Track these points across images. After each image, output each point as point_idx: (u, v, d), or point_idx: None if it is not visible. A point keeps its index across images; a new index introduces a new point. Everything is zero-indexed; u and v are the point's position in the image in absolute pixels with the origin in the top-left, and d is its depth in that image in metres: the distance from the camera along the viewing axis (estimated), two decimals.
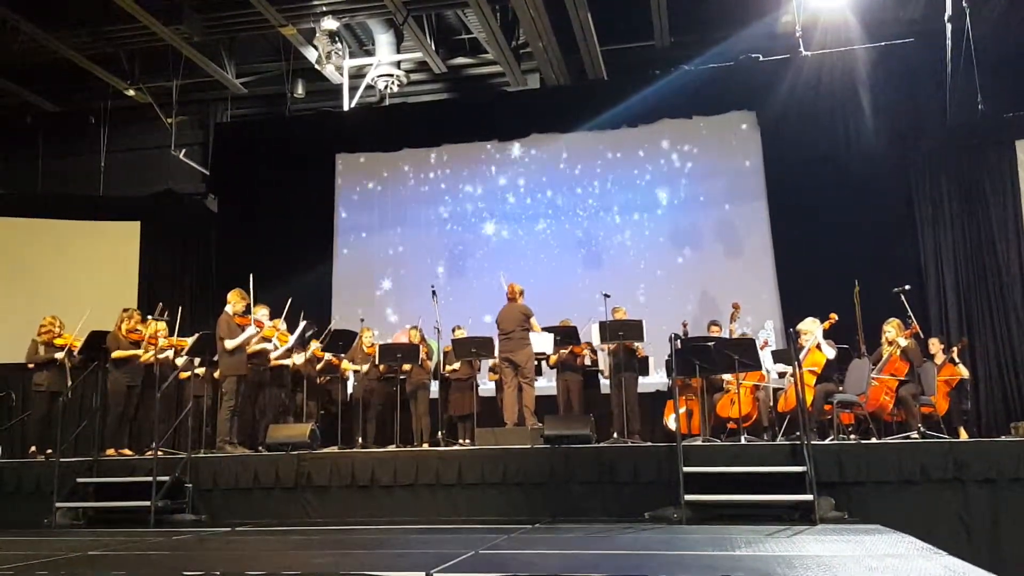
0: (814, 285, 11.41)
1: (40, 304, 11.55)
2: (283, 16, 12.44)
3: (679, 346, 8.22)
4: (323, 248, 14.22)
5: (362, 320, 11.08)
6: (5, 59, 13.43)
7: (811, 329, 8.84)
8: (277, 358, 9.53)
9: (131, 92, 14.36)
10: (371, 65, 14.23)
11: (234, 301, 9.12)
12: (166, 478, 7.80)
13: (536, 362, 9.92)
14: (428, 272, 13.51)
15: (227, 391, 8.87)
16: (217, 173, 15.06)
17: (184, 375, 9.59)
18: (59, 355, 9.36)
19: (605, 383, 10.81)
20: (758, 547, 4.94)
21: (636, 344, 10.04)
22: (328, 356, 10.33)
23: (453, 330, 11.08)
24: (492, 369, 11.24)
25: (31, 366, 9.56)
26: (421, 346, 10.36)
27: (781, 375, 9.81)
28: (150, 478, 7.72)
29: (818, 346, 8.74)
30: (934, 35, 11.73)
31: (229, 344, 8.82)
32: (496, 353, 9.70)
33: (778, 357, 9.87)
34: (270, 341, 9.45)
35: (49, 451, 8.94)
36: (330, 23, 12.52)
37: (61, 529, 7.78)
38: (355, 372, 10.64)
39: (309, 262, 13.86)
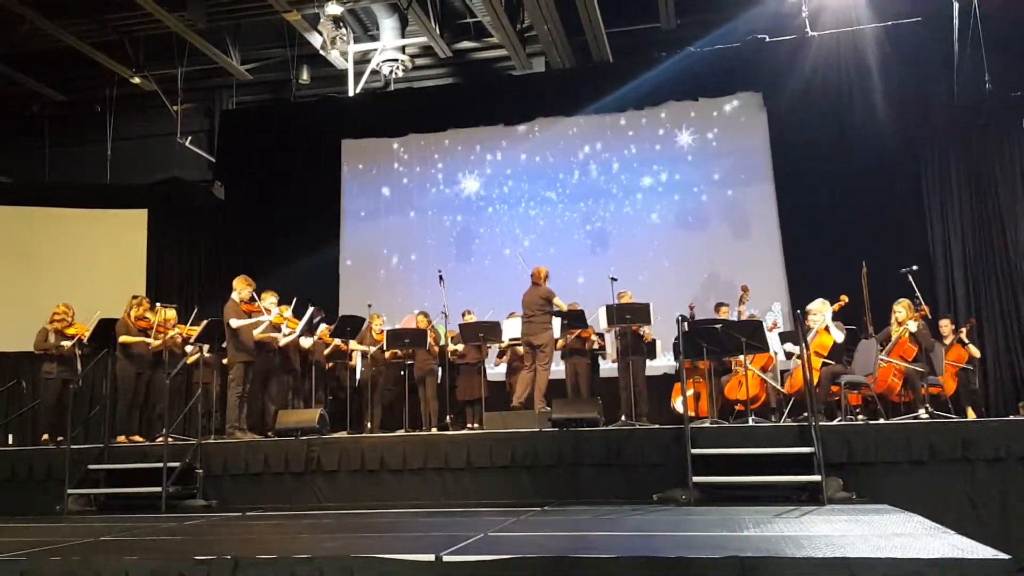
0: (821, 266, 11.39)
1: (48, 293, 11.60)
2: (287, 2, 12.41)
3: (686, 328, 8.20)
4: (329, 233, 14.24)
5: (369, 306, 11.09)
6: (10, 48, 13.45)
7: (820, 310, 8.82)
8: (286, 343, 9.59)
9: (136, 80, 14.37)
10: (376, 50, 14.21)
11: (240, 288, 9.14)
12: (176, 464, 7.85)
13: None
14: (435, 257, 13.53)
15: (234, 377, 8.92)
16: (223, 160, 15.10)
17: (191, 359, 9.65)
18: (65, 343, 9.40)
19: (607, 366, 10.83)
20: (766, 527, 4.95)
21: (644, 329, 10.04)
22: (336, 341, 10.34)
23: (463, 315, 11.10)
24: (501, 353, 11.28)
25: (37, 352, 9.61)
26: (429, 331, 10.38)
27: (788, 356, 9.80)
28: (161, 464, 7.77)
29: (826, 328, 8.71)
30: (941, 14, 11.67)
31: (234, 323, 8.86)
32: (520, 335, 9.73)
33: (786, 339, 9.85)
34: (279, 329, 9.49)
35: (60, 438, 8.99)
36: (334, 8, 12.47)
37: (73, 515, 7.83)
38: (362, 354, 10.64)
39: (316, 248, 13.90)
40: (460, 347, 10.60)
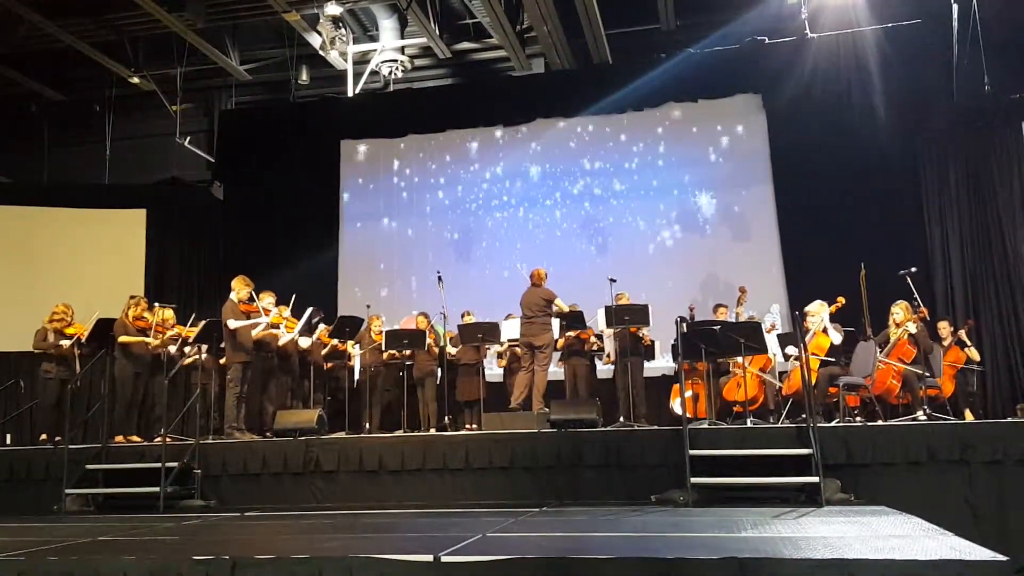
0: (820, 268, 11.37)
1: (47, 293, 11.60)
2: (286, 2, 12.41)
3: (684, 330, 8.21)
4: (328, 234, 14.22)
5: (368, 307, 11.07)
6: (10, 48, 13.45)
7: (818, 312, 8.83)
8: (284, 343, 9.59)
9: (135, 80, 14.38)
10: (375, 51, 14.21)
11: (238, 288, 9.14)
12: (175, 464, 7.85)
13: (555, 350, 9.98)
14: (434, 258, 13.51)
15: (232, 378, 8.92)
16: (222, 160, 15.08)
17: (189, 360, 9.65)
18: (64, 343, 9.39)
19: (603, 368, 10.83)
20: (764, 529, 4.95)
21: (642, 331, 10.04)
22: (334, 342, 10.34)
23: (462, 316, 11.09)
24: (501, 355, 11.27)
25: (36, 352, 9.60)
26: (428, 332, 10.37)
27: (787, 358, 9.80)
28: (159, 464, 7.77)
29: (824, 330, 8.71)
30: (941, 16, 11.66)
31: (232, 324, 8.86)
32: (518, 335, 9.74)
33: (784, 340, 9.85)
34: (278, 328, 9.49)
35: (58, 438, 8.98)
36: (333, 8, 12.49)
37: (71, 515, 7.83)
38: (360, 355, 10.63)
39: (314, 248, 13.89)
40: (455, 350, 10.60)
